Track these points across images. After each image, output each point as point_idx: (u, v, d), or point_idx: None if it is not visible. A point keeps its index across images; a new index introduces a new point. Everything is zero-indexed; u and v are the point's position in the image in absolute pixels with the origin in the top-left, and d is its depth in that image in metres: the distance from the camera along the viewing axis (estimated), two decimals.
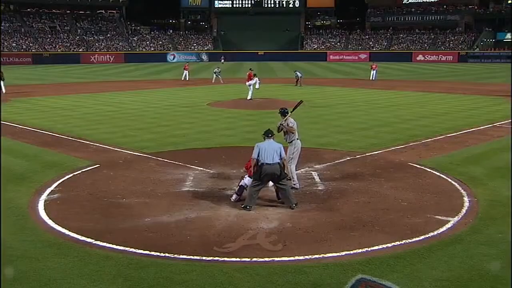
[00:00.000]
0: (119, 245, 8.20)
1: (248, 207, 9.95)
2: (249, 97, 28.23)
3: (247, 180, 10.50)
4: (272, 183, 10.45)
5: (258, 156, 10.00)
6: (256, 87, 28.84)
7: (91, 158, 14.64)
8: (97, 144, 16.65)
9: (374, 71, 45.40)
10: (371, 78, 45.17)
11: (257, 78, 30.58)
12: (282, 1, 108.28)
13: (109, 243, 8.28)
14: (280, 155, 10.08)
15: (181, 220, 9.45)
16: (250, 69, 29.79)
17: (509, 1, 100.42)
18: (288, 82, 42.22)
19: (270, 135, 10.35)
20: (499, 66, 70.59)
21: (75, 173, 12.90)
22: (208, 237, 8.58)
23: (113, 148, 16.09)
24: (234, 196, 10.60)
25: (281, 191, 10.22)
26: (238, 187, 10.69)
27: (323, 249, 8.09)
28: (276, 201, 10.53)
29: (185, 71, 46.55)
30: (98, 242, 8.33)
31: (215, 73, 44.11)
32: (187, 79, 45.84)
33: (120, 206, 10.29)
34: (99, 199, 10.76)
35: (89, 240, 8.44)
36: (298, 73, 41.61)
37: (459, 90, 36.04)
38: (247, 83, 29.12)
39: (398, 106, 27.37)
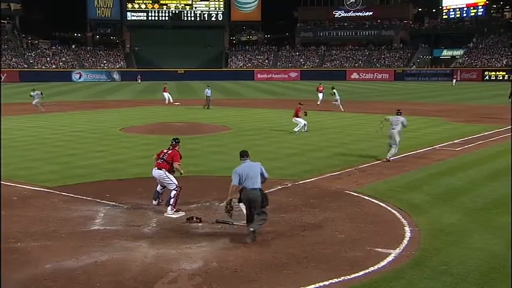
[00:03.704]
0: None
1: (253, 230, 10.30)
2: (296, 129, 25.86)
3: (159, 188, 12.67)
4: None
5: (240, 182, 10.42)
6: (302, 126, 25.95)
7: None
8: None
9: (322, 93, 42.90)
10: (319, 102, 42.00)
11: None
12: (203, 14, 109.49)
13: None
14: (263, 175, 10.61)
15: (89, 264, 9.14)
16: (299, 103, 27.37)
17: (444, 16, 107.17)
18: (212, 104, 42.33)
19: (245, 156, 10.80)
20: (437, 85, 74.71)
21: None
22: (122, 283, 8.35)
23: (4, 183, 15.33)
24: (154, 202, 12.67)
25: (256, 214, 10.42)
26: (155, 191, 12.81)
27: None
28: (199, 237, 10.50)
29: (165, 94, 45.22)
30: None
31: (32, 96, 39.08)
32: (171, 101, 44.67)
33: (14, 252, 9.78)
34: None
35: None
36: (208, 90, 40.79)
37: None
38: (294, 119, 26.25)
39: (332, 128, 28.19)
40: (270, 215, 12.00)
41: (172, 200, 12.12)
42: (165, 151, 12.66)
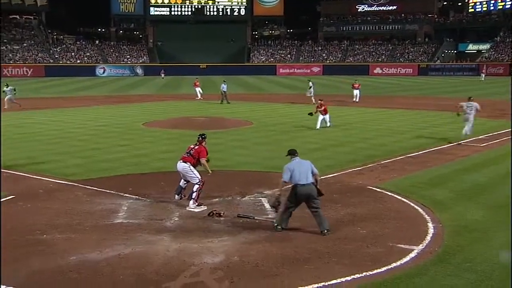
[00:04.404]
0: None
1: (278, 227, 10.55)
2: (328, 124, 25.69)
3: (182, 182, 12.67)
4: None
5: (291, 178, 10.49)
6: (321, 121, 25.69)
7: (4, 188, 14.08)
8: (11, 172, 16.07)
9: (358, 90, 42.02)
10: (354, 99, 41.39)
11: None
12: (226, 9, 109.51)
13: None
14: (313, 172, 10.66)
15: (113, 257, 9.24)
16: (319, 99, 26.88)
17: (470, 10, 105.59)
18: (234, 99, 42.40)
19: (296, 153, 10.95)
20: (462, 80, 73.74)
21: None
22: (145, 276, 8.43)
23: (31, 176, 15.61)
24: (176, 197, 12.68)
25: (314, 213, 10.53)
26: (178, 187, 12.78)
27: (274, 285, 8.10)
28: (221, 231, 10.57)
29: (197, 88, 45.21)
30: None
31: (4, 92, 36.78)
32: (198, 96, 44.57)
33: (40, 243, 9.95)
34: (14, 236, 10.34)
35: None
36: (223, 85, 40.67)
37: (420, 106, 37.31)
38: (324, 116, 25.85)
39: (355, 123, 28.02)
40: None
41: (194, 194, 12.21)
42: (191, 146, 12.80)
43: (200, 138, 12.86)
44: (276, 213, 10.88)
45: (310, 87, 40.89)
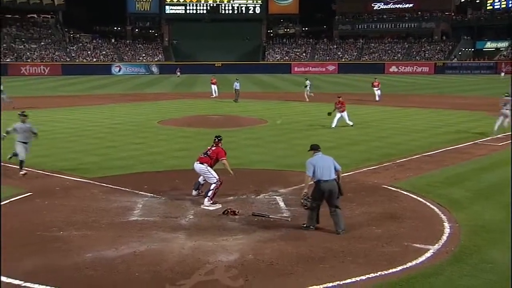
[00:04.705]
0: (54, 287, 7.97)
1: (311, 226, 10.54)
2: (349, 122, 25.40)
3: (200, 179, 12.83)
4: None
5: (313, 174, 10.43)
6: (338, 119, 25.42)
7: (21, 185, 14.27)
8: (29, 169, 16.20)
9: (379, 90, 41.00)
10: (377, 98, 40.31)
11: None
12: (241, 7, 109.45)
13: (43, 285, 8.03)
14: (335, 168, 10.66)
15: (128, 254, 9.29)
16: (338, 96, 26.63)
17: (489, 7, 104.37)
18: (249, 97, 42.43)
19: (318, 148, 10.89)
20: (479, 78, 73.05)
21: (1, 203, 12.48)
22: (160, 273, 8.47)
23: (48, 174, 15.75)
24: (194, 192, 12.97)
25: (332, 212, 10.49)
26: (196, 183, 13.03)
27: (289, 284, 8.09)
28: (236, 229, 10.57)
29: (213, 86, 45.04)
30: (28, 284, 8.07)
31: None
32: (216, 94, 44.44)
33: (56, 240, 10.03)
34: (31, 233, 10.45)
35: (17, 282, 8.16)
36: (236, 83, 40.73)
37: (436, 105, 37.02)
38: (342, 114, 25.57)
39: (370, 122, 27.89)
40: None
41: (210, 192, 12.26)
42: (209, 147, 12.95)
43: (217, 140, 13.00)
44: (307, 211, 10.73)
45: (307, 85, 41.37)
